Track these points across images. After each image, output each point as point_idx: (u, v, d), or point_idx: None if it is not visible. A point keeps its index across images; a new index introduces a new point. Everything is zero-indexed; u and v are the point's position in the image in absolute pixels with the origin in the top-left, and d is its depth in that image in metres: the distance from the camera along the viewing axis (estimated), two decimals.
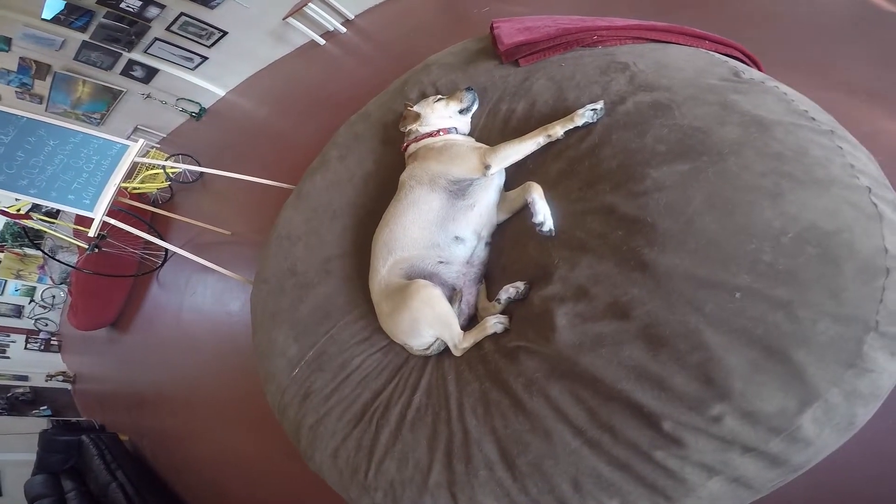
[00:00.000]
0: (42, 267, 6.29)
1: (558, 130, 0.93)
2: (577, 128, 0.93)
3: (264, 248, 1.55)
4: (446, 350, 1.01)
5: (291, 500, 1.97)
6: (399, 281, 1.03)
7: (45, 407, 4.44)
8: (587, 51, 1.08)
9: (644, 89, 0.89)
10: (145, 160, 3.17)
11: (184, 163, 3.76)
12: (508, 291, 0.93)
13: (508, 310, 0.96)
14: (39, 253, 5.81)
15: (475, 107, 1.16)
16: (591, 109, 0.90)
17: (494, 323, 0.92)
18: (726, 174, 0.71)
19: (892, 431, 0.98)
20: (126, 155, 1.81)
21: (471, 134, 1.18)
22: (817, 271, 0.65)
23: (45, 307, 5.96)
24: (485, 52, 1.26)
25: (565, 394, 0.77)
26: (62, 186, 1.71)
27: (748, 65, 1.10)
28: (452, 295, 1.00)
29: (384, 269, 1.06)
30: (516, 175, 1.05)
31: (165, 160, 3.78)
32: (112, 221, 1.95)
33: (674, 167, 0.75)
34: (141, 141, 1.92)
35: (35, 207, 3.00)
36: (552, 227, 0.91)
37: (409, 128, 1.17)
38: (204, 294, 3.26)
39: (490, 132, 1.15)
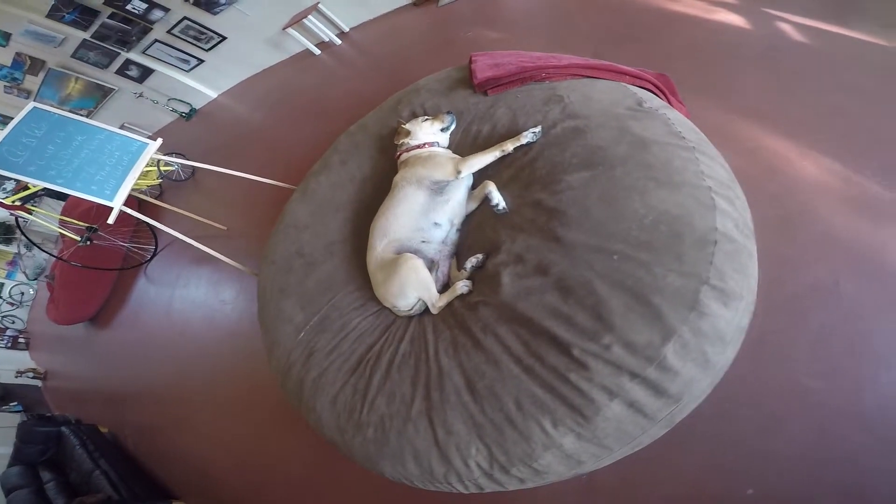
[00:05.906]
0: (12, 262, 6.11)
1: (509, 147, 1.25)
2: (522, 146, 1.23)
3: (272, 235, 1.74)
4: (426, 311, 1.26)
5: (282, 484, 1.98)
6: (391, 256, 1.31)
7: (15, 403, 4.33)
8: (537, 85, 1.32)
9: (571, 117, 1.16)
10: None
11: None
12: (471, 261, 1.22)
13: (472, 276, 1.22)
14: (11, 249, 5.67)
15: (453, 126, 1.45)
16: (532, 132, 1.21)
17: (462, 286, 1.19)
18: (613, 178, 0.98)
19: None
20: (146, 152, 2.01)
21: (449, 147, 1.48)
22: (667, 242, 0.85)
23: (13, 304, 5.80)
24: (463, 81, 1.51)
25: (509, 333, 0.98)
26: (86, 178, 1.86)
27: (656, 93, 1.30)
28: (431, 266, 1.29)
29: (380, 247, 1.34)
30: (479, 178, 1.32)
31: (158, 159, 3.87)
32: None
33: (581, 174, 1.04)
34: (159, 140, 2.11)
35: (26, 199, 3.05)
36: (505, 207, 1.19)
37: (402, 141, 1.47)
38: (197, 285, 3.25)
39: (463, 146, 1.44)
